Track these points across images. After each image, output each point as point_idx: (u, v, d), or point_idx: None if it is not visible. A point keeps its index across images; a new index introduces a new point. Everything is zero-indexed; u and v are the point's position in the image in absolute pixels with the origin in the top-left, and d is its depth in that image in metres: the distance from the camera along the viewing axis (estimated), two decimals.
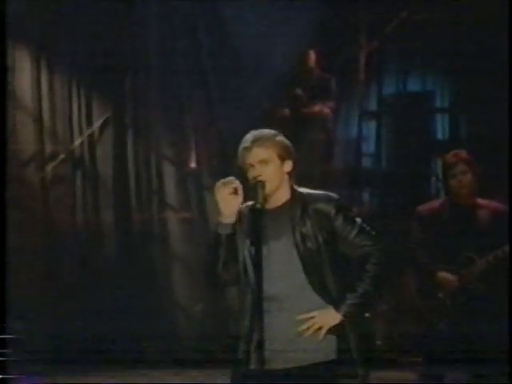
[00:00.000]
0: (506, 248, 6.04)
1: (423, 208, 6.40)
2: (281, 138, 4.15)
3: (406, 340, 8.57)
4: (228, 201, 4.02)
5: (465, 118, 10.07)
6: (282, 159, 4.11)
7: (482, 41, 9.17)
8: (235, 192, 4.03)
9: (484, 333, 6.05)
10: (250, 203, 4.16)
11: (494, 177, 8.78)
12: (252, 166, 4.07)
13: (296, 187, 4.18)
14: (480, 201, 6.25)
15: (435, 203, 6.45)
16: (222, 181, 4.05)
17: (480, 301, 6.06)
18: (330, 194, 4.19)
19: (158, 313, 9.72)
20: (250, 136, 4.13)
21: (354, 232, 4.12)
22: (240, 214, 4.12)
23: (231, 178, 4.06)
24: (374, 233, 4.18)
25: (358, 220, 4.16)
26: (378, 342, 9.14)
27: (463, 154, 6.31)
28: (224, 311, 9.30)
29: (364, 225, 4.17)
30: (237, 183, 4.05)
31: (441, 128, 10.16)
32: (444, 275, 6.06)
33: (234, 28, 9.77)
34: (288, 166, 4.13)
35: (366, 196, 10.26)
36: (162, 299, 9.92)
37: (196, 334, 9.62)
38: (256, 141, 4.09)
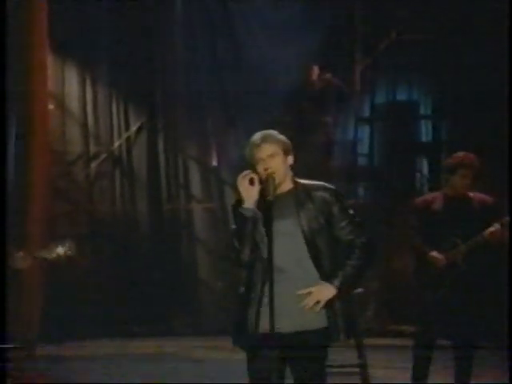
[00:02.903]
0: (484, 234, 5.92)
1: (418, 200, 6.26)
2: (282, 136, 4.18)
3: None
4: (248, 190, 4.05)
5: (445, 123, 10.08)
6: (286, 154, 4.13)
7: (462, 55, 9.20)
8: (252, 182, 4.06)
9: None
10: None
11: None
12: (262, 159, 4.07)
13: (297, 179, 4.21)
14: (470, 193, 6.09)
15: (428, 196, 6.29)
16: (242, 174, 4.06)
17: (464, 277, 6.01)
18: (327, 184, 4.22)
19: (184, 288, 9.84)
20: (258, 135, 4.14)
21: (346, 220, 4.14)
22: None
23: (248, 171, 4.07)
24: (360, 223, 4.18)
25: (350, 210, 4.20)
26: (369, 313, 9.27)
27: (476, 160, 6.07)
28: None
29: (354, 215, 4.19)
30: (252, 175, 4.06)
31: (424, 132, 10.20)
32: (432, 256, 6.03)
33: (249, 47, 9.83)
34: (290, 159, 4.16)
35: (360, 189, 10.28)
36: (188, 276, 9.98)
37: (218, 307, 9.68)
38: (264, 139, 4.11)
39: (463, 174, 6.04)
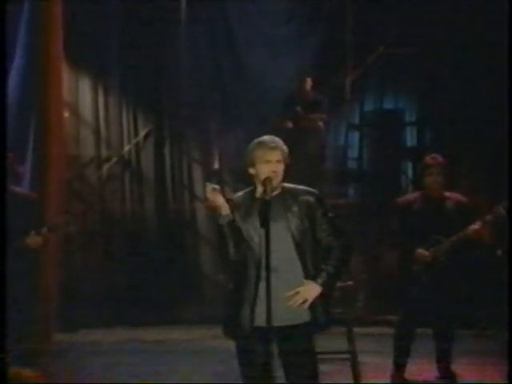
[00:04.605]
0: (467, 231, 5.97)
1: (400, 200, 6.33)
2: (285, 146, 4.18)
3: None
4: (221, 199, 3.99)
5: (428, 130, 10.14)
6: (285, 162, 4.13)
7: (445, 67, 9.25)
8: (215, 191, 3.99)
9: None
10: (239, 194, 4.15)
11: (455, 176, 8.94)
12: (270, 162, 4.04)
13: (283, 184, 4.17)
14: (446, 193, 6.18)
15: (410, 196, 6.37)
16: (209, 189, 4.00)
17: (446, 272, 6.05)
18: (310, 188, 4.22)
19: (188, 281, 9.87)
20: (270, 138, 4.11)
21: (327, 223, 4.15)
22: (234, 204, 4.10)
23: (210, 185, 4.00)
24: (339, 226, 4.19)
25: (331, 215, 4.20)
26: (359, 304, 9.31)
27: (439, 158, 6.18)
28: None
29: (334, 218, 4.20)
30: (216, 186, 4.00)
31: (409, 138, 10.26)
32: (419, 252, 6.06)
33: (249, 60, 9.86)
34: (284, 167, 4.15)
35: (350, 190, 10.34)
36: (192, 270, 10.02)
37: (218, 298, 9.70)
38: (276, 144, 4.10)
39: (430, 172, 6.14)
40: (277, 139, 4.14)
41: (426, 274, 6.06)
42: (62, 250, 8.27)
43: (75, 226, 6.04)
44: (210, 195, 4.00)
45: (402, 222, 6.15)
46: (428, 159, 6.19)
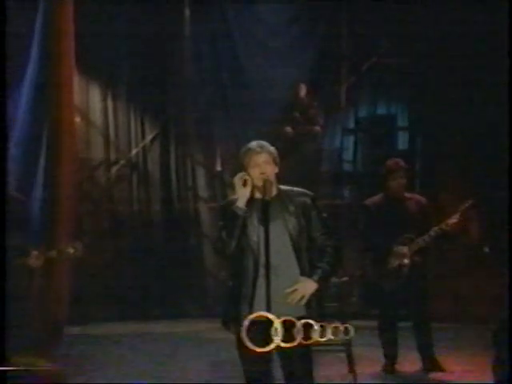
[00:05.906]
0: (445, 224, 5.97)
1: (367, 201, 6.31)
2: (273, 148, 4.21)
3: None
4: (242, 190, 4.06)
5: (419, 134, 10.16)
6: (275, 163, 4.17)
7: (433, 75, 9.26)
8: (245, 184, 4.07)
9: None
10: (234, 197, 4.13)
11: (441, 176, 9.00)
12: (258, 165, 4.08)
13: (279, 186, 4.21)
14: (407, 194, 6.22)
15: (376, 198, 6.31)
16: (238, 175, 4.08)
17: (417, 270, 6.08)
18: (305, 190, 4.26)
19: (192, 277, 9.88)
20: (255, 143, 4.15)
21: (321, 223, 4.20)
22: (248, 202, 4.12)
23: (243, 173, 4.07)
24: (332, 226, 4.24)
25: (324, 215, 4.24)
26: (354, 298, 9.32)
27: (401, 162, 6.24)
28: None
29: (327, 218, 4.25)
30: (247, 177, 4.07)
31: (401, 141, 10.26)
32: (397, 249, 6.07)
33: (249, 68, 9.90)
34: (276, 168, 4.18)
35: (345, 191, 10.34)
36: (196, 267, 10.02)
37: (221, 294, 9.70)
38: (262, 147, 4.14)
39: (393, 176, 6.19)
40: (263, 143, 4.18)
41: (400, 270, 6.06)
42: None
43: (83, 252, 5.92)
44: (237, 183, 4.05)
45: (368, 222, 6.15)
46: (391, 164, 6.20)
